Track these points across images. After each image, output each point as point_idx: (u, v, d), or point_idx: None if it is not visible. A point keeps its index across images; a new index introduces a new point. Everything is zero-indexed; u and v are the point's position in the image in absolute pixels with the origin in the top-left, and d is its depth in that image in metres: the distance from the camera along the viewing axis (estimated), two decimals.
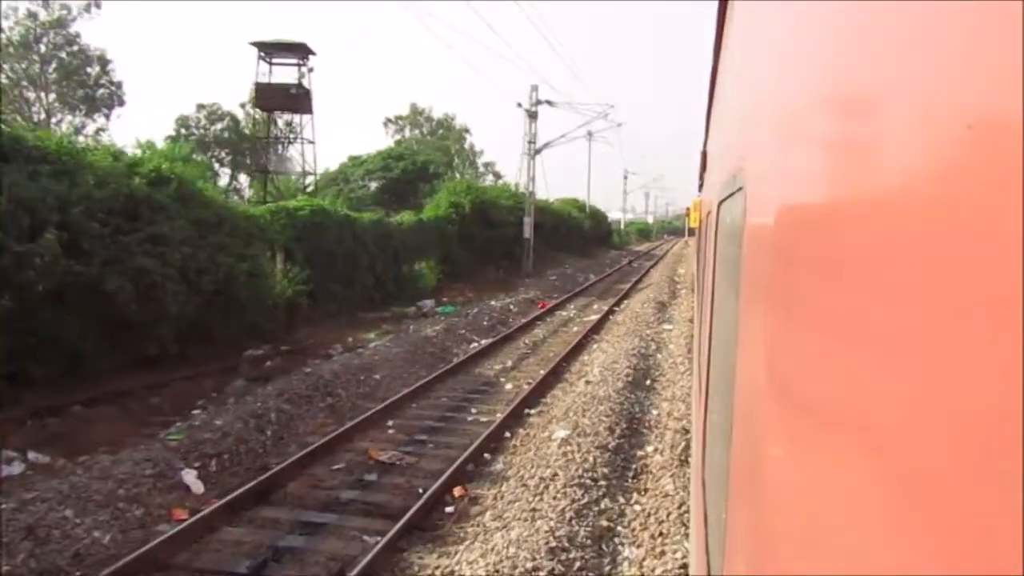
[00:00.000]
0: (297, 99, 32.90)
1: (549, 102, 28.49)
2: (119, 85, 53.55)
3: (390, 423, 9.85)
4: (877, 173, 0.51)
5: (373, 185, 51.10)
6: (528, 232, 28.96)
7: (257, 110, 40.22)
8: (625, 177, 72.36)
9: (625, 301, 24.23)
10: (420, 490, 7.46)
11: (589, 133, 53.84)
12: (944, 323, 0.37)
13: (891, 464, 0.44)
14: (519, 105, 28.04)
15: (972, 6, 0.36)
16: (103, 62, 52.94)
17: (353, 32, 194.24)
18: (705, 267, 3.93)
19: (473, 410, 10.70)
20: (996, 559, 0.30)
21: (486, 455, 8.62)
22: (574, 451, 7.92)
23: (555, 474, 7.29)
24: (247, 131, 69.19)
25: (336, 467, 8.14)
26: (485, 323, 18.41)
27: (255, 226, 13.73)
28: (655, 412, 10.41)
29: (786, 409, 0.80)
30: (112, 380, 10.25)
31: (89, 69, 52.50)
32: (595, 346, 15.85)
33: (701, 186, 8.95)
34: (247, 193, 55.11)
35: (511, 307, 21.13)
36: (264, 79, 33.39)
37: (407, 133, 72.92)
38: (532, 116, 28.54)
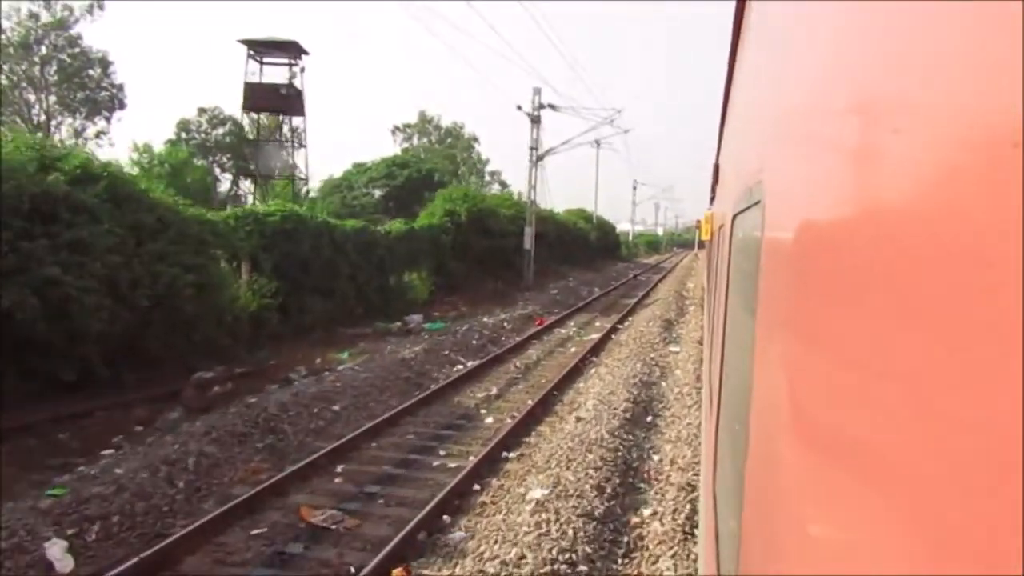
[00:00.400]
0: (288, 100, 31.56)
1: (552, 106, 26.97)
2: (120, 87, 52.67)
3: (340, 468, 8.26)
4: (906, 187, 0.49)
5: (377, 193, 49.90)
6: (528, 243, 27.36)
7: (263, 114, 39.05)
8: (634, 187, 70.90)
9: (630, 318, 22.58)
10: (352, 569, 5.88)
11: (596, 142, 52.52)
12: (975, 346, 0.36)
13: (912, 491, 0.43)
14: (519, 108, 26.56)
15: (1013, 7, 0.33)
16: (104, 64, 52.06)
17: (357, 36, 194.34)
18: (718, 280, 3.74)
19: (442, 452, 9.09)
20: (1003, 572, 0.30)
21: (445, 517, 7.02)
22: (550, 520, 6.29)
23: (522, 556, 5.66)
24: (251, 136, 68.90)
25: (256, 532, 6.56)
26: (474, 342, 16.82)
27: (210, 232, 12.22)
28: (656, 458, 8.77)
29: (805, 433, 0.78)
30: (18, 409, 8.71)
31: (90, 71, 51.68)
32: (593, 371, 14.22)
33: (713, 199, 8.50)
34: (249, 200, 53.95)
35: (505, 324, 19.52)
36: (255, 79, 32.04)
37: (415, 141, 72.18)
38: (535, 121, 27.00)
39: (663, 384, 12.88)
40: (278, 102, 31.98)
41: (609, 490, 7.19)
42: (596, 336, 18.27)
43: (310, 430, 9.38)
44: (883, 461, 0.48)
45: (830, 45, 0.77)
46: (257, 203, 33.96)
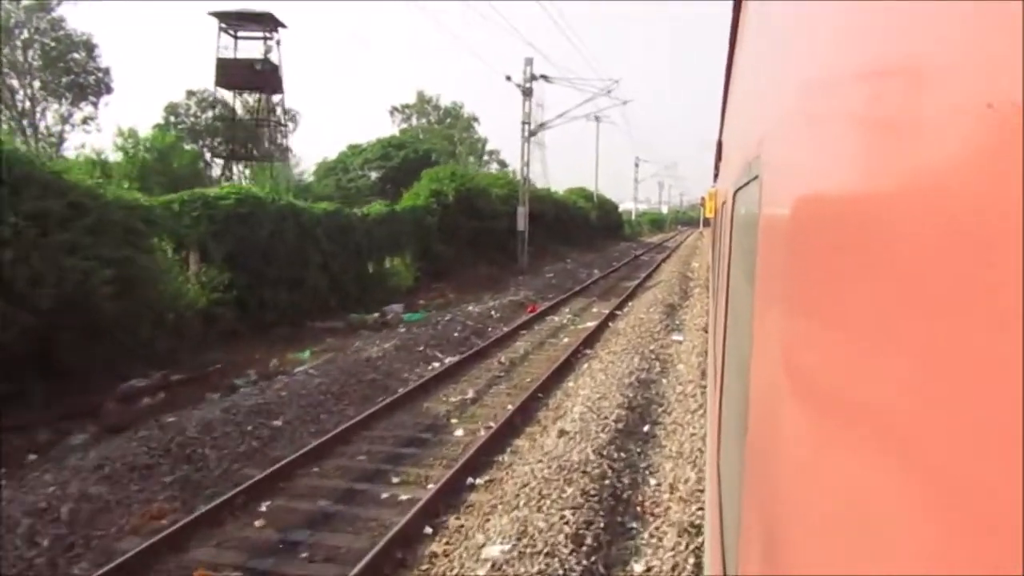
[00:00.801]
0: (263, 76, 29.72)
1: (545, 77, 25.11)
2: (106, 71, 50.96)
3: (264, 507, 6.75)
4: (898, 162, 0.50)
5: (373, 175, 48.22)
6: (522, 224, 25.68)
7: (255, 93, 37.29)
8: (636, 164, 68.45)
9: (629, 303, 21.00)
10: None
11: (596, 117, 50.57)
12: (971, 319, 0.35)
13: (910, 463, 0.43)
14: (508, 79, 24.73)
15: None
16: (89, 47, 50.33)
17: (352, 16, 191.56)
18: (720, 258, 3.64)
19: (396, 478, 7.57)
20: (1009, 557, 0.30)
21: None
22: None
23: None
24: (246, 118, 67.54)
25: None
26: (456, 334, 15.28)
27: (141, 219, 10.64)
28: (652, 483, 7.24)
29: (803, 405, 0.80)
30: None
31: (75, 55, 50.01)
32: (585, 366, 12.67)
33: (717, 175, 8.32)
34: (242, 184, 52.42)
35: (493, 312, 17.96)
36: (228, 53, 30.22)
37: (414, 122, 70.71)
38: (527, 93, 25.19)
39: (663, 382, 11.33)
40: (253, 78, 30.17)
41: (589, 540, 5.65)
42: (592, 324, 16.71)
43: (239, 454, 7.86)
44: (883, 434, 0.48)
45: (830, 20, 0.76)
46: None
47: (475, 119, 71.81)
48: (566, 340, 15.38)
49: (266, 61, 30.03)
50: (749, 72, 2.14)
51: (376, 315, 17.01)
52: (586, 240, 41.94)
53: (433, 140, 64.52)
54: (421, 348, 13.48)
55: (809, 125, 0.85)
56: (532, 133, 25.64)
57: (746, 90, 2.31)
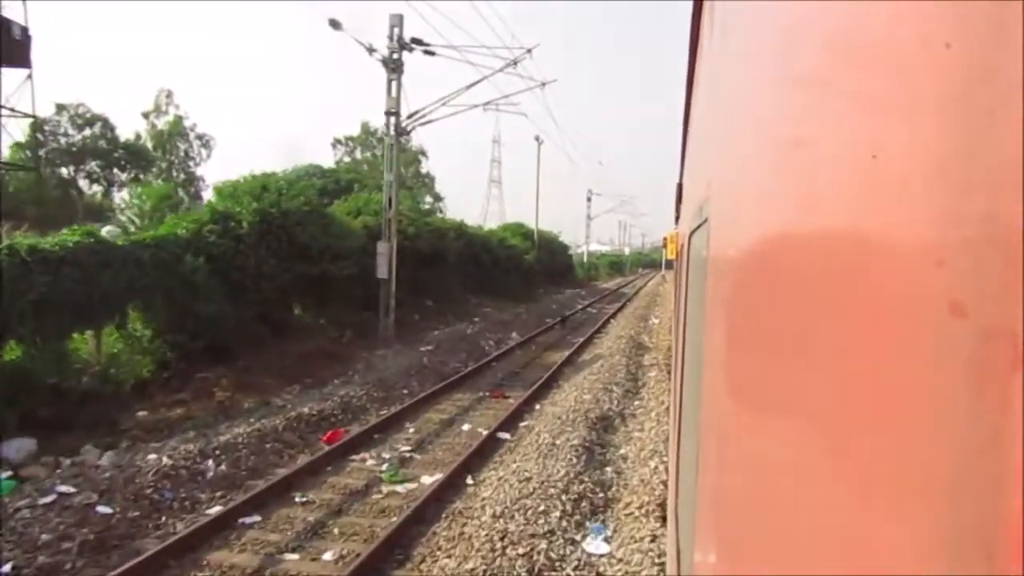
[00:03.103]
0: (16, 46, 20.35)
1: (420, 42, 16.23)
2: None
3: None
4: (835, 206, 0.53)
5: None
6: (384, 269, 16.32)
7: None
8: (589, 199, 58.87)
9: (538, 406, 11.92)
10: None
11: (537, 138, 42.24)
12: (874, 334, 0.41)
13: (841, 456, 0.47)
14: (371, 51, 15.82)
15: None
16: None
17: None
18: (679, 302, 3.83)
19: None
20: (928, 549, 0.33)
21: None
22: None
23: None
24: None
25: None
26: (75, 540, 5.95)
27: None
28: None
29: (747, 418, 0.85)
30: None
31: None
32: None
33: (678, 218, 7.73)
34: (125, 215, 42.06)
35: (212, 460, 8.61)
36: None
37: (359, 155, 62.93)
38: (394, 68, 16.31)
39: None
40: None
41: None
42: (434, 479, 7.61)
43: None
44: (816, 435, 0.53)
45: (771, 64, 0.79)
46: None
47: (423, 153, 64.28)
48: (338, 548, 6.17)
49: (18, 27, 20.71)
50: (701, 115, 2.28)
51: None
52: (519, 288, 32.84)
53: (373, 174, 56.89)
54: None
55: (750, 169, 0.90)
56: (402, 130, 16.64)
57: (699, 133, 2.49)
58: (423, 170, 64.65)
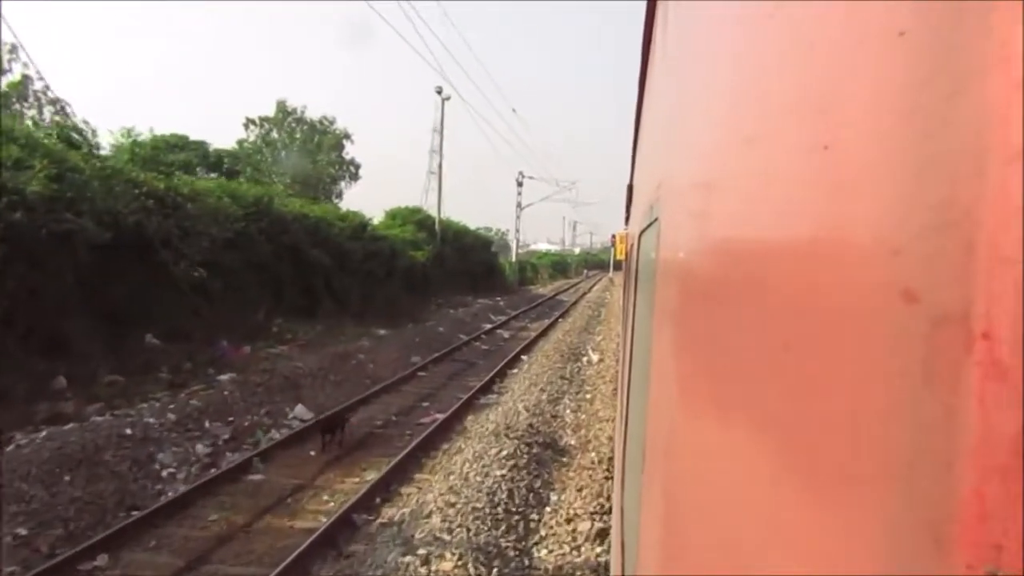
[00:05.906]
0: None
1: None
2: None
3: None
4: (766, 201, 0.54)
5: None
6: None
7: None
8: (519, 183, 50.12)
9: None
10: None
11: (440, 90, 34.37)
12: (829, 328, 0.41)
13: (785, 456, 0.47)
14: None
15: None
16: None
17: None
18: (627, 303, 3.77)
19: None
20: (876, 537, 0.33)
21: None
22: None
23: None
24: None
25: None
26: None
27: None
28: None
29: (692, 416, 0.84)
30: None
31: None
32: None
33: (628, 219, 8.07)
34: None
35: None
36: None
37: (275, 135, 55.26)
38: None
39: None
40: None
41: None
42: None
43: None
44: (760, 434, 0.53)
45: (721, 64, 0.78)
46: None
47: (347, 136, 56.80)
48: None
49: None
50: (652, 116, 2.31)
51: None
52: (415, 299, 25.41)
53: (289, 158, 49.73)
54: None
55: (701, 168, 0.90)
56: None
57: (649, 134, 2.55)
58: (346, 155, 57.56)
